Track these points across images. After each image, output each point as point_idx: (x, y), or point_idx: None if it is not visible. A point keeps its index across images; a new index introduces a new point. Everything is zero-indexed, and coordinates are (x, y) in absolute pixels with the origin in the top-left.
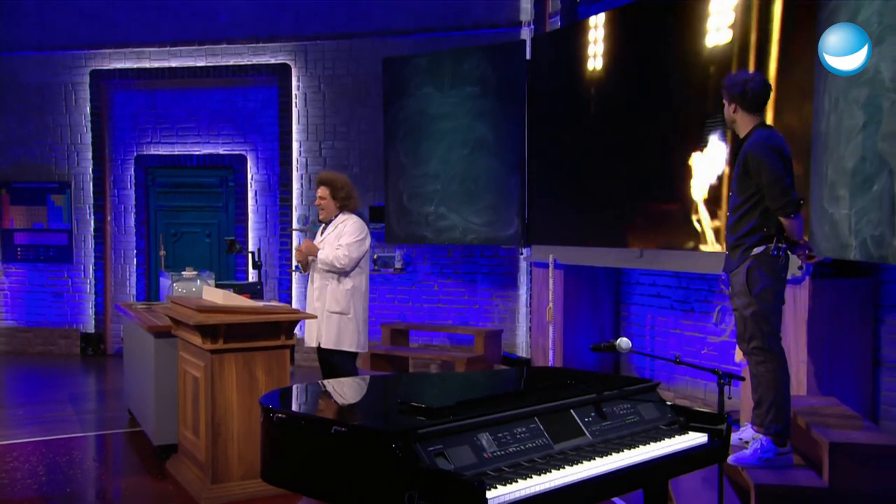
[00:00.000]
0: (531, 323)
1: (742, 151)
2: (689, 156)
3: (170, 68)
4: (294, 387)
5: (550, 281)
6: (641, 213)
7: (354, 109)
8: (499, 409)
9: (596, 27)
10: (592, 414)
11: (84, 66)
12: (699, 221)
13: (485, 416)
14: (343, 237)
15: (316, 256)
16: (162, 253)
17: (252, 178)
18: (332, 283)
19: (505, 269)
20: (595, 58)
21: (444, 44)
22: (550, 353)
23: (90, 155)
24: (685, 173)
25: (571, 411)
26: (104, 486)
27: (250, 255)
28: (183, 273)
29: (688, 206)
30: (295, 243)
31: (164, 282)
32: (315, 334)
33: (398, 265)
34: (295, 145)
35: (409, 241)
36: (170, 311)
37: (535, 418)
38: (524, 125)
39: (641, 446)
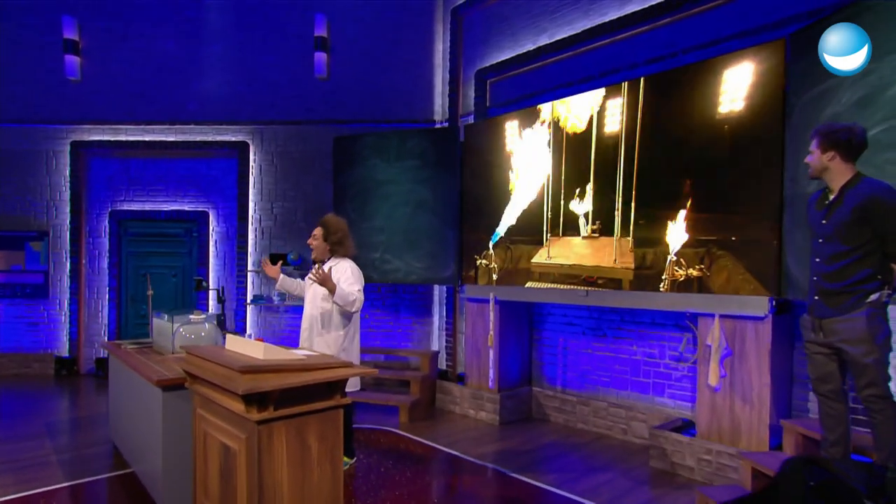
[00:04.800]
0: (450, 344)
1: (861, 198)
2: None
3: (143, 141)
4: None
5: (491, 314)
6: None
7: (301, 177)
8: None
9: (498, 124)
10: None
11: (65, 137)
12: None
13: None
14: (343, 283)
15: (331, 287)
16: (150, 292)
17: (213, 230)
18: (322, 322)
19: (422, 302)
20: (504, 143)
21: (371, 132)
22: (490, 371)
23: (68, 209)
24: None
25: None
26: None
27: (215, 292)
28: (191, 317)
29: None
30: (250, 279)
31: (159, 321)
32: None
33: None
34: (251, 205)
35: None
36: (190, 366)
37: None
38: (459, 190)
39: None
